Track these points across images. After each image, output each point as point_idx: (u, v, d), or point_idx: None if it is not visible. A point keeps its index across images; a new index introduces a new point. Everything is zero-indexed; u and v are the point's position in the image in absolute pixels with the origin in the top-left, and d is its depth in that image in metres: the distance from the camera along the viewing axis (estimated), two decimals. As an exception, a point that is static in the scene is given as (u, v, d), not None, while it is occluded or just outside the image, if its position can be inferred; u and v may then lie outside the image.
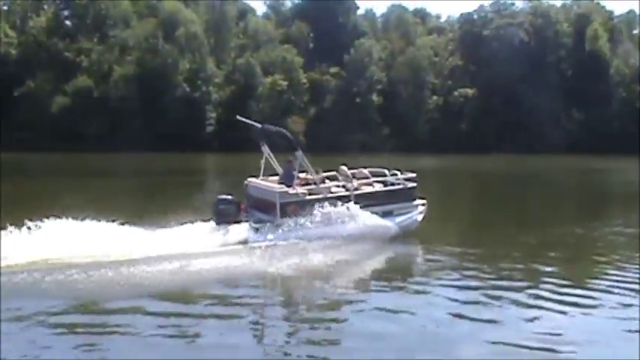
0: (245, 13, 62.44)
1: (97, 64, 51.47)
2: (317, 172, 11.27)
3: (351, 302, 7.27)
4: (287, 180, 11.16)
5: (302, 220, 10.35)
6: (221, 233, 10.23)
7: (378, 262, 9.87)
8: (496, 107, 59.11)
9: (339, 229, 10.36)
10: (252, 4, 78.41)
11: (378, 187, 11.71)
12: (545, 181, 30.26)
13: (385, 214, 11.26)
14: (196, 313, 6.65)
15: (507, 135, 57.76)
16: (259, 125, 10.98)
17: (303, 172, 11.26)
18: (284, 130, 11.38)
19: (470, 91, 60.34)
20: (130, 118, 48.68)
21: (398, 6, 67.79)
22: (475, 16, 64.51)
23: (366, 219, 10.79)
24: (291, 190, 10.77)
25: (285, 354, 5.64)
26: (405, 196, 11.69)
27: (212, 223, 10.61)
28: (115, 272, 8.07)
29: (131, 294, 7.38)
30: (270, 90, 54.80)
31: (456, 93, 60.19)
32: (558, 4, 69.44)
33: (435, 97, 60.26)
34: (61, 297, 7.13)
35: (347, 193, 11.02)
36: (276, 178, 11.60)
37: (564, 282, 8.30)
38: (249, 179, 11.66)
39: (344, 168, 11.72)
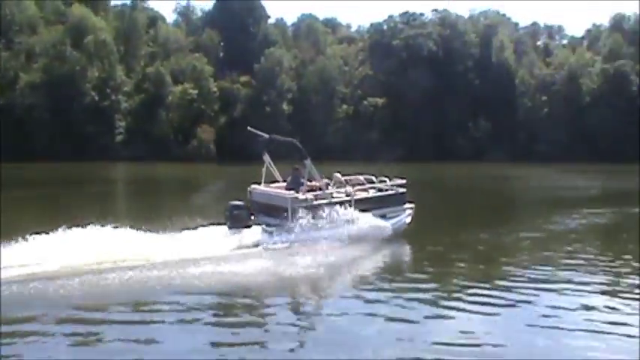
0: (155, 20, 73.12)
1: (2, 71, 59.45)
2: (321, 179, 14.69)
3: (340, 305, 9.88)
4: (295, 186, 14.94)
5: (311, 223, 13.78)
6: (236, 237, 13.30)
7: (370, 264, 13.19)
8: (406, 116, 71.78)
9: (342, 230, 13.91)
10: (163, 12, 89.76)
11: (373, 193, 15.64)
12: (454, 188, 35.45)
13: (380, 217, 14.76)
14: (230, 312, 9.25)
15: (417, 143, 69.91)
16: (267, 136, 15.14)
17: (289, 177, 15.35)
18: (295, 141, 15.20)
19: (380, 101, 73.15)
20: (37, 126, 57.23)
21: (308, 15, 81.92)
22: (385, 27, 78.24)
23: (366, 221, 14.47)
24: (300, 196, 14.27)
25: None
26: (397, 200, 15.91)
27: (225, 228, 13.81)
28: (150, 274, 10.63)
29: (168, 294, 9.78)
30: (180, 99, 65.55)
31: (365, 102, 73.02)
32: (466, 15, 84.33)
33: (344, 107, 73.00)
34: (113, 297, 9.64)
35: (348, 198, 14.70)
36: (277, 184, 15.48)
37: (471, 283, 10.46)
38: (253, 186, 15.39)
39: (338, 175, 15.83)
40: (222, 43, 72.44)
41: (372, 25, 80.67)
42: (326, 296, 10.72)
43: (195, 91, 66.23)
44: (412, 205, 16.59)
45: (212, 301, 10.09)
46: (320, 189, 15.02)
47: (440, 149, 69.34)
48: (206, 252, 12.43)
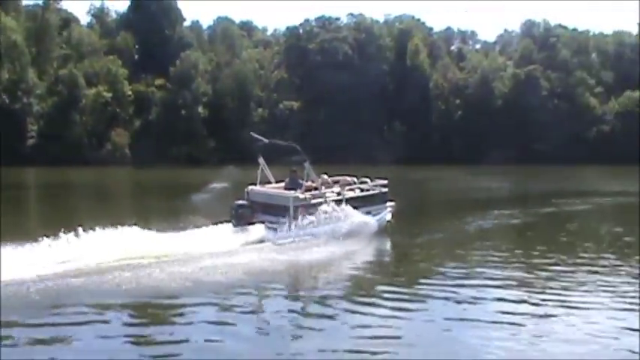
0: (68, 22, 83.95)
1: None
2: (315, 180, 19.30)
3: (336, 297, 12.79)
4: (293, 186, 19.52)
5: (310, 220, 18.24)
6: (242, 234, 17.58)
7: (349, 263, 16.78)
8: (321, 120, 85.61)
9: (337, 226, 18.37)
10: (77, 14, 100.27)
11: (359, 192, 20.57)
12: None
13: (366, 214, 19.40)
14: (249, 301, 12.55)
15: (333, 147, 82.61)
16: (267, 140, 19.72)
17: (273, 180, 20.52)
18: (295, 145, 19.37)
19: (295, 104, 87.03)
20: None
21: (224, 18, 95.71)
22: (300, 30, 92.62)
23: (356, 218, 19.05)
24: (300, 195, 18.73)
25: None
26: (380, 198, 21.22)
27: (230, 225, 18.00)
28: (172, 270, 13.86)
29: (192, 287, 13.03)
30: (94, 102, 76.91)
31: (281, 106, 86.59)
32: (381, 19, 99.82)
33: (260, 110, 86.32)
34: (138, 293, 12.41)
35: (340, 197, 19.42)
36: (272, 185, 20.07)
37: (391, 288, 12.67)
38: (251, 187, 19.72)
39: (325, 177, 20.21)
40: (137, 46, 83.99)
41: (287, 28, 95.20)
42: (335, 283, 14.44)
43: (110, 94, 76.90)
44: (393, 203, 22.18)
45: (240, 289, 13.43)
46: (316, 189, 19.59)
47: (356, 153, 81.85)
48: (220, 247, 16.30)
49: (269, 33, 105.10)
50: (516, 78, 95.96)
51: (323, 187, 20.10)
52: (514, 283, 14.11)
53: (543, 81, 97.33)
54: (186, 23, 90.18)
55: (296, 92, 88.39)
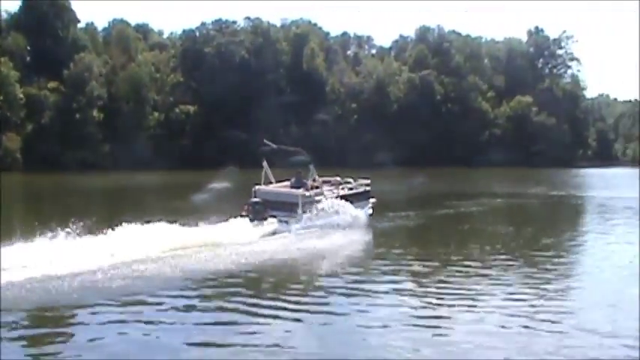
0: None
1: None
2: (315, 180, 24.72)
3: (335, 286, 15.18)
4: (299, 185, 24.38)
5: (315, 214, 23.15)
6: (260, 227, 22.12)
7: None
8: (218, 124, 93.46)
9: (338, 218, 23.58)
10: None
11: (350, 190, 26.12)
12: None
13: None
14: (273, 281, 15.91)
15: (229, 151, 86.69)
16: (275, 146, 25.31)
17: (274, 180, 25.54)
18: (301, 150, 25.45)
19: (191, 108, 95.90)
20: None
21: (119, 20, 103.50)
22: (197, 33, 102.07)
23: (352, 212, 24.44)
24: (307, 193, 23.61)
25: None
26: (365, 195, 26.89)
27: (246, 220, 22.54)
28: (204, 257, 17.71)
29: (224, 270, 16.47)
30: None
31: (177, 110, 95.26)
32: (278, 24, 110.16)
33: (156, 114, 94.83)
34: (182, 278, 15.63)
35: (336, 194, 24.78)
36: (277, 184, 25.18)
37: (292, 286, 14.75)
38: (258, 186, 24.34)
39: (316, 177, 25.18)
40: (29, 47, 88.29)
41: (184, 31, 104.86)
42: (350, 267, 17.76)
43: (0, 97, 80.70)
44: (374, 200, 27.73)
45: (272, 269, 17.29)
46: (317, 187, 24.56)
47: (250, 157, 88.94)
48: (247, 238, 20.65)
49: (165, 36, 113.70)
50: (411, 83, 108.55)
51: (323, 186, 25.32)
52: (409, 285, 15.62)
53: (437, 85, 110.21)
54: (81, 25, 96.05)
55: (192, 96, 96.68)
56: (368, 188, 27.54)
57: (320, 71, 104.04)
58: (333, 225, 23.39)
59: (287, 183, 25.42)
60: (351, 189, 26.73)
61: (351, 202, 25.25)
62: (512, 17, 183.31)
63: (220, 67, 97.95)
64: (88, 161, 79.82)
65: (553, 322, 12.04)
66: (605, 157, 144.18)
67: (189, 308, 13.03)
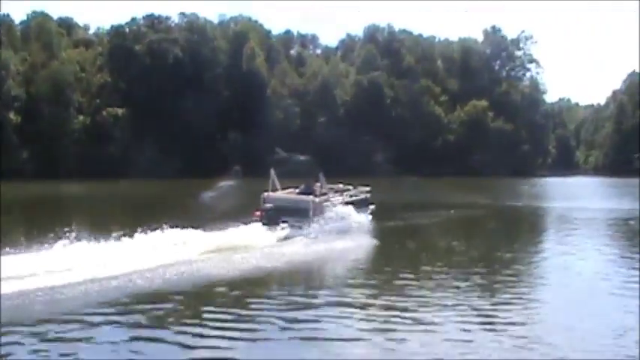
0: None
1: None
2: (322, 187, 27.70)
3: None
4: (308, 192, 27.34)
5: (325, 219, 26.14)
6: (274, 232, 25.17)
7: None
8: (149, 128, 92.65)
9: (344, 224, 26.71)
10: None
11: (352, 197, 29.34)
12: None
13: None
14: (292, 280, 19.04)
15: (161, 158, 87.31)
16: (285, 154, 35.63)
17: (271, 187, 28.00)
18: (310, 158, 32.56)
19: (120, 111, 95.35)
20: None
21: (40, 13, 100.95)
22: (127, 30, 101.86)
23: (357, 218, 27.77)
24: (317, 199, 26.64)
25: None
26: (365, 202, 30.20)
27: (260, 225, 25.68)
28: (230, 260, 20.43)
29: (249, 273, 19.26)
30: None
31: (104, 113, 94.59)
32: (215, 20, 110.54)
33: (81, 117, 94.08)
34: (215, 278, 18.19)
35: (341, 201, 27.98)
36: (284, 191, 27.91)
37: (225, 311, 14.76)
38: (267, 193, 27.23)
39: (324, 185, 28.54)
40: None
41: (112, 27, 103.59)
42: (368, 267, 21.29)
43: None
44: (373, 206, 31.06)
45: (293, 270, 20.58)
46: (325, 194, 27.67)
47: (187, 164, 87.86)
48: (266, 242, 23.86)
49: (91, 32, 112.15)
50: (359, 85, 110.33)
51: (330, 193, 28.61)
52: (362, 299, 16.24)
53: (387, 88, 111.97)
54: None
55: (121, 98, 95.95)
56: (368, 195, 30.81)
57: (261, 72, 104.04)
58: (340, 230, 26.30)
59: (293, 190, 28.37)
60: (353, 196, 29.75)
61: (355, 208, 28.51)
62: (468, 16, 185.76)
63: (152, 66, 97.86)
64: (2, 169, 76.86)
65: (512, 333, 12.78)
66: (567, 166, 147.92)
67: (220, 314, 14.19)
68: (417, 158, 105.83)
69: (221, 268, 19.37)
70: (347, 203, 28.48)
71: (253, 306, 14.96)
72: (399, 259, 22.51)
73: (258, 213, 26.53)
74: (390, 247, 24.79)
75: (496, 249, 25.20)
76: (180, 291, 16.32)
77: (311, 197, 27.00)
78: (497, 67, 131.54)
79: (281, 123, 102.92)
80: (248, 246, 22.68)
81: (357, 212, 28.37)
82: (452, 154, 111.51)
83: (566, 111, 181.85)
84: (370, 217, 30.08)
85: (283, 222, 26.06)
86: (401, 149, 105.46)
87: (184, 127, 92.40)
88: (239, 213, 27.51)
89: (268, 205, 26.63)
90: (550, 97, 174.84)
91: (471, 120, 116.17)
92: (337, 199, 28.45)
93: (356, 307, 14.81)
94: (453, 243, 26.84)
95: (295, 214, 26.36)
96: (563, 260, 22.34)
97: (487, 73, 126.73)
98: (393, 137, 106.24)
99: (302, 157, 31.24)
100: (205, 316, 13.84)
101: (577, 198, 59.48)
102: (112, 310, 14.28)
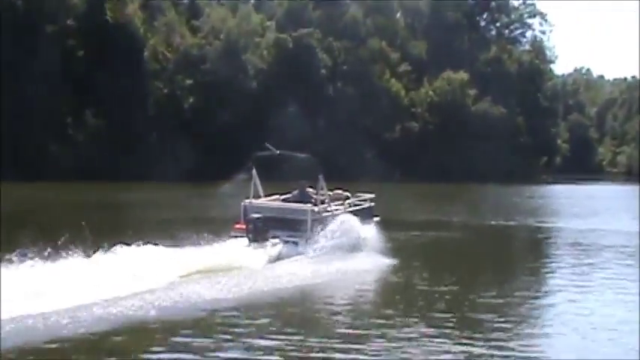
0: None
1: None
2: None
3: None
4: (304, 199, 28.70)
5: (326, 233, 26.89)
6: (264, 248, 26.28)
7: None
8: None
9: (349, 237, 27.66)
10: None
11: (354, 206, 30.95)
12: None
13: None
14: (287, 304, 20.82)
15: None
16: (277, 152, 29.19)
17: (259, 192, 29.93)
18: (310, 157, 30.39)
19: None
20: None
21: None
22: None
23: (363, 231, 28.98)
24: (316, 209, 27.71)
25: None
26: (370, 212, 31.84)
27: (244, 241, 26.74)
28: (214, 286, 21.60)
29: (249, 295, 21.18)
30: None
31: None
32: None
33: None
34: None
35: (343, 210, 29.09)
36: (271, 198, 29.70)
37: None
38: (248, 201, 28.44)
39: (324, 190, 29.57)
40: None
41: None
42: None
43: None
44: (378, 218, 32.97)
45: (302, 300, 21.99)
46: (323, 202, 28.98)
47: (23, 164, 79.15)
48: (250, 263, 25.05)
49: None
50: (280, 47, 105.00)
51: (329, 200, 29.23)
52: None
53: (322, 53, 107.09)
54: None
55: None
56: (372, 204, 32.92)
57: (133, 27, 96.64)
58: (346, 246, 27.57)
59: (279, 196, 30.13)
60: (354, 205, 31.30)
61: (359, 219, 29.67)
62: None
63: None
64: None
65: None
66: (584, 167, 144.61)
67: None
68: (365, 154, 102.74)
69: (203, 297, 20.27)
70: (354, 212, 29.92)
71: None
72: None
73: (240, 226, 27.66)
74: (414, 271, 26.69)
75: (473, 291, 24.13)
76: (154, 320, 17.75)
77: (309, 206, 28.21)
78: (483, 24, 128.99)
79: (164, 101, 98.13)
80: (234, 267, 24.08)
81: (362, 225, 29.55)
82: (416, 150, 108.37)
83: (585, 88, 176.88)
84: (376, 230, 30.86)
85: (274, 237, 27.12)
86: (340, 143, 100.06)
87: (21, 110, 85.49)
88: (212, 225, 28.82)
89: (256, 216, 27.50)
90: (561, 68, 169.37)
91: (443, 100, 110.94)
92: (338, 208, 29.52)
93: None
94: (420, 280, 25.84)
95: (289, 228, 27.67)
96: (571, 316, 20.62)
97: (468, 33, 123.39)
98: (329, 124, 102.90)
99: (302, 155, 31.39)
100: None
101: (596, 214, 59.52)
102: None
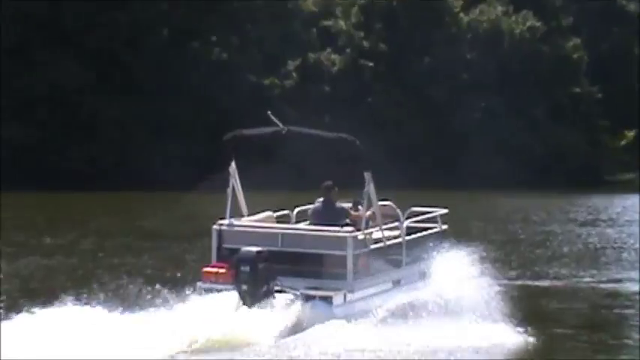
0: None
1: None
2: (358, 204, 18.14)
3: None
4: (331, 217, 17.43)
5: (378, 281, 17.12)
6: (264, 310, 15.52)
7: None
8: None
9: (422, 290, 17.35)
10: None
11: (419, 231, 19.15)
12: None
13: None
14: None
15: None
16: (285, 128, 17.35)
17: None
18: (346, 136, 17.14)
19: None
20: None
21: None
22: None
23: (454, 275, 17.43)
24: (360, 235, 16.55)
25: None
26: (440, 238, 19.40)
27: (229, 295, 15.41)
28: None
29: None
30: None
31: None
32: None
33: None
34: None
35: (400, 240, 17.96)
36: (259, 217, 18.08)
37: None
38: (225, 221, 17.30)
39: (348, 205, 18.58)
40: None
41: None
42: None
43: None
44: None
45: None
46: (369, 221, 17.49)
47: None
48: (251, 336, 15.03)
49: None
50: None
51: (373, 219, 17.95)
52: None
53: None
54: None
55: None
56: (444, 226, 20.20)
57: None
58: (416, 305, 16.57)
59: (271, 214, 18.78)
60: (419, 228, 19.55)
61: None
62: None
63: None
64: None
65: None
66: None
67: None
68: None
69: None
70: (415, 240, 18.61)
71: None
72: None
73: (217, 270, 16.50)
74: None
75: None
76: None
77: (349, 230, 16.64)
78: None
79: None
80: (230, 343, 14.63)
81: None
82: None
83: None
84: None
85: (282, 290, 16.21)
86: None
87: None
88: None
89: (254, 250, 16.13)
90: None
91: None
92: (392, 233, 18.03)
93: None
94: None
95: (312, 271, 16.54)
96: None
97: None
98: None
99: (333, 135, 17.99)
100: None
101: None
102: None
